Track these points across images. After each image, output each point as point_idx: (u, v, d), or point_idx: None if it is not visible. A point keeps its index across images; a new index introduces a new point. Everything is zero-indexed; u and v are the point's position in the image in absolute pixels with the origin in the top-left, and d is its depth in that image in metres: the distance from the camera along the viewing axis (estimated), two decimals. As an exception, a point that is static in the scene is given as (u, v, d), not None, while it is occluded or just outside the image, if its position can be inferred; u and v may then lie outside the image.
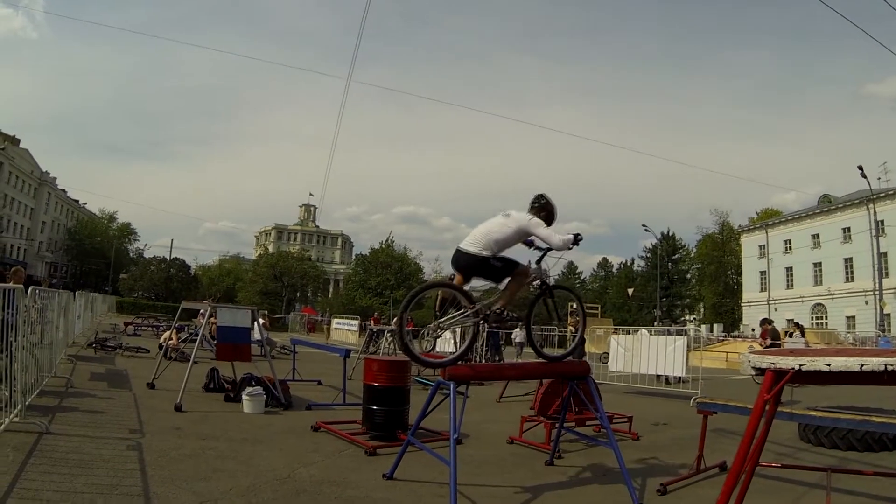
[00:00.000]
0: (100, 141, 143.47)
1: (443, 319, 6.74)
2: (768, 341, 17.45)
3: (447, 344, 19.30)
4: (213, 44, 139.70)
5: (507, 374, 8.46)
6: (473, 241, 6.76)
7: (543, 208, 7.06)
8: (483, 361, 20.65)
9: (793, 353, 3.91)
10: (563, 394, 8.89)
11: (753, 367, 4.03)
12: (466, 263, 6.78)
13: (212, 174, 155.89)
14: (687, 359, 15.98)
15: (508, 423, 10.29)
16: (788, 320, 65.24)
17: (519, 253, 6.98)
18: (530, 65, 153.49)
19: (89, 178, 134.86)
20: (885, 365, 3.33)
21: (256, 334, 14.14)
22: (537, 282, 7.21)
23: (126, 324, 29.41)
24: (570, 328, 24.44)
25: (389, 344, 23.74)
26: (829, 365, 3.51)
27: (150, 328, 29.82)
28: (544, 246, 7.02)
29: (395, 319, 7.93)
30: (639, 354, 16.22)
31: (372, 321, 34.53)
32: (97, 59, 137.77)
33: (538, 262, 7.18)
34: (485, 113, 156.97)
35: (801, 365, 3.62)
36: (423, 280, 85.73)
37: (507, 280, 6.86)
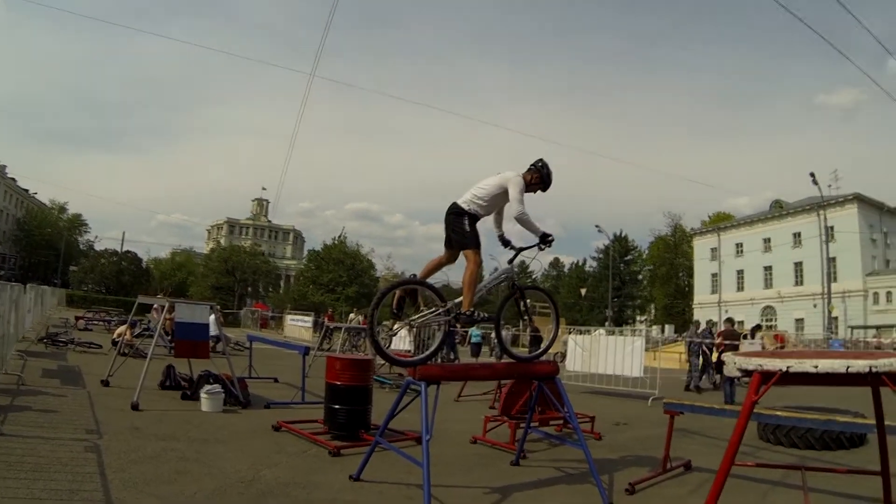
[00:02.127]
0: (52, 129, 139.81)
1: (415, 317, 6.63)
2: (720, 339, 17.56)
3: (402, 342, 19.36)
4: (171, 34, 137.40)
5: (477, 374, 8.32)
6: (466, 196, 6.78)
7: (538, 171, 6.96)
8: (439, 360, 20.59)
9: (777, 355, 3.94)
10: (528, 394, 8.99)
11: (740, 369, 4.07)
12: (447, 215, 6.78)
13: (165, 166, 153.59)
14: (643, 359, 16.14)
15: (470, 423, 10.23)
16: (738, 321, 66.68)
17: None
18: (486, 64, 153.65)
19: (40, 168, 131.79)
20: (870, 367, 3.45)
21: (213, 330, 13.88)
22: (507, 282, 7.17)
23: (77, 318, 28.48)
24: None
25: (344, 341, 23.64)
26: (816, 367, 3.60)
27: (101, 322, 29.10)
28: (517, 245, 7.05)
29: (364, 318, 7.88)
30: (596, 354, 16.31)
31: (326, 318, 34.35)
32: (52, 45, 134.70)
33: (510, 261, 7.17)
34: (439, 109, 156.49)
35: (788, 367, 3.66)
36: (376, 277, 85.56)
37: (464, 259, 6.70)
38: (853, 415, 8.03)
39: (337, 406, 8.29)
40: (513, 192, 6.67)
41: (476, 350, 26.94)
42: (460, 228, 6.67)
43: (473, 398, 14.08)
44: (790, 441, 9.57)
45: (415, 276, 7.16)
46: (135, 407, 9.29)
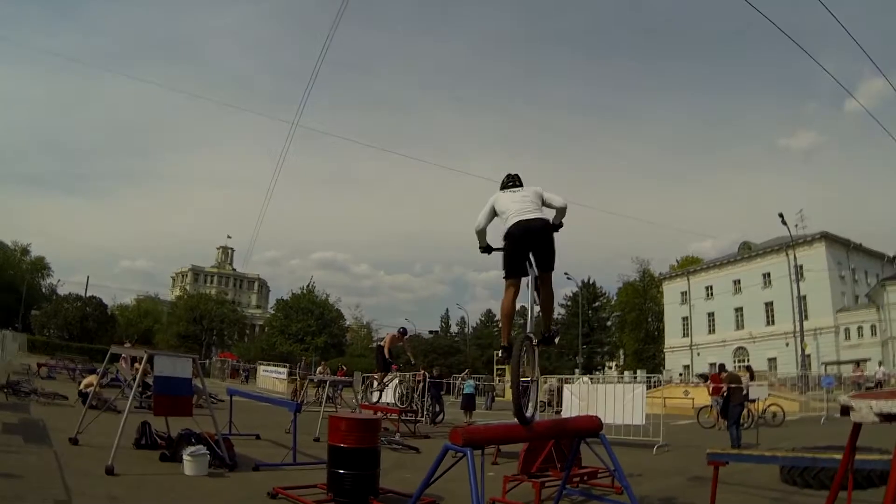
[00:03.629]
0: (15, 171, 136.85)
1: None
2: (725, 387, 16.99)
3: (387, 395, 18.54)
4: (139, 80, 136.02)
5: (523, 434, 7.42)
6: (533, 208, 6.20)
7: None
8: (426, 413, 19.71)
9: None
10: (548, 449, 8.50)
11: (878, 414, 3.44)
12: (542, 231, 6.14)
13: (130, 211, 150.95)
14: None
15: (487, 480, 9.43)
16: (711, 364, 66.61)
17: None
18: (451, 112, 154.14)
19: (2, 209, 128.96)
20: None
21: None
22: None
23: (40, 365, 27.35)
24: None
25: (316, 395, 22.78)
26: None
27: (65, 371, 28.00)
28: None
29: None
30: (594, 403, 15.64)
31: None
32: (16, 86, 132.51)
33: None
34: (404, 157, 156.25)
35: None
36: (345, 327, 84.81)
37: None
38: (880, 452, 7.53)
39: (342, 471, 7.37)
40: (550, 193, 6.46)
41: (469, 402, 24.80)
42: (554, 247, 6.21)
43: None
44: (820, 483, 9.03)
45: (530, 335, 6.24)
46: (110, 471, 8.18)
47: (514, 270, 6.14)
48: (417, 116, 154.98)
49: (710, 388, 21.12)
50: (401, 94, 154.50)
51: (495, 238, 6.49)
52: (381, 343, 18.52)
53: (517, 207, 6.19)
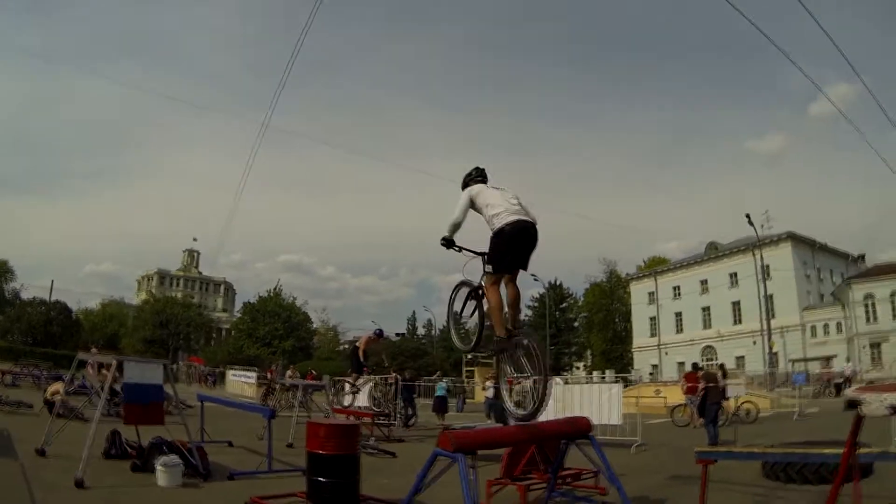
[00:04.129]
0: None
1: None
2: (702, 384, 17.02)
3: (361, 398, 18.32)
4: (105, 79, 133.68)
5: (517, 437, 7.22)
6: (524, 210, 6.36)
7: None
8: (399, 416, 19.47)
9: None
10: (531, 452, 8.37)
11: (890, 407, 3.98)
12: (534, 232, 6.35)
13: (96, 213, 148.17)
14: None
15: (456, 487, 9.23)
16: (679, 363, 67.38)
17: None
18: (418, 114, 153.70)
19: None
20: None
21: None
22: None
23: (3, 372, 26.70)
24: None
25: (279, 399, 22.48)
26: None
27: (29, 377, 27.25)
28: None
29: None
30: (570, 404, 15.55)
31: (269, 373, 33.18)
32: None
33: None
34: (371, 158, 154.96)
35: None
36: (312, 330, 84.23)
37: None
38: (861, 445, 7.54)
39: (322, 479, 7.12)
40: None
41: (442, 405, 24.65)
42: None
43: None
44: (803, 478, 8.98)
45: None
46: (80, 483, 7.84)
47: (505, 266, 6.29)
48: (385, 119, 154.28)
49: (685, 387, 21.20)
50: (368, 95, 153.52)
51: (467, 235, 6.56)
52: (357, 344, 18.24)
53: (509, 206, 6.28)
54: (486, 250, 6.40)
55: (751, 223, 48.57)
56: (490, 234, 6.30)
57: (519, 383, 6.53)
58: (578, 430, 6.76)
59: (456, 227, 6.54)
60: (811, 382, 38.81)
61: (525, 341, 6.26)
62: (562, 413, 15.79)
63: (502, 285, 6.37)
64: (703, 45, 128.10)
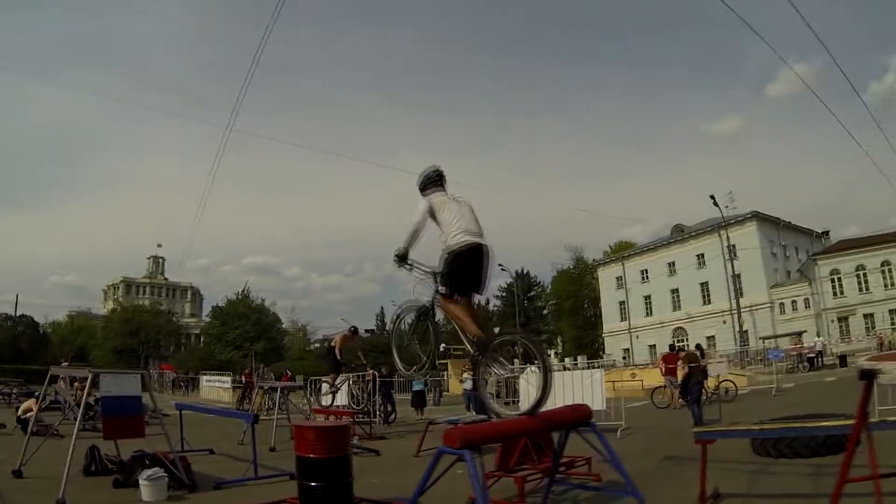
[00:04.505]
0: None
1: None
2: (683, 365, 17.10)
3: (340, 397, 18.12)
4: (61, 85, 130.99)
5: (516, 431, 7.02)
6: (479, 229, 6.22)
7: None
8: (378, 413, 19.28)
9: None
10: (523, 443, 8.55)
11: None
12: (489, 259, 6.24)
13: (56, 223, 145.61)
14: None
15: (450, 481, 9.09)
16: (650, 345, 67.92)
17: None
18: (377, 108, 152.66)
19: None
20: None
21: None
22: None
23: (-28, 392, 26.19)
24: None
25: (263, 402, 22.22)
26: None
27: (0, 396, 26.70)
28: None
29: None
30: (552, 392, 15.45)
31: (244, 376, 32.75)
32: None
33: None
34: (330, 154, 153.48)
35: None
36: (283, 331, 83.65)
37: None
38: (845, 417, 7.58)
39: (314, 483, 6.90)
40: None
41: (420, 399, 24.44)
42: None
43: (433, 452, 12.89)
44: (794, 451, 8.89)
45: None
46: None
47: (463, 288, 6.26)
48: (342, 114, 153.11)
49: (663, 369, 21.38)
50: (324, 92, 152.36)
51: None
52: (333, 344, 18.00)
53: (464, 224, 6.13)
54: (440, 269, 6.24)
55: (716, 204, 49.00)
56: (443, 249, 6.14)
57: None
58: (582, 417, 6.69)
59: (414, 237, 6.27)
60: (786, 358, 39.12)
61: (518, 338, 6.52)
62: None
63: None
64: (659, 24, 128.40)
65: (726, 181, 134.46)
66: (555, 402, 15.27)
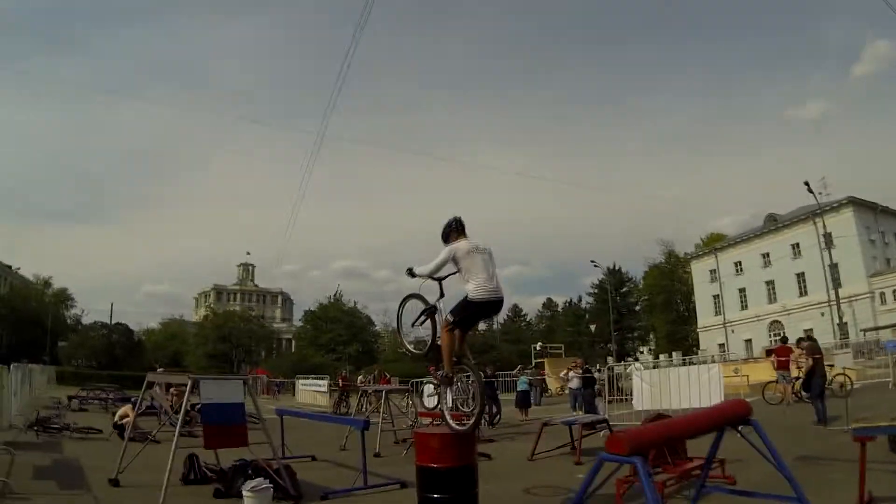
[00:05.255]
0: (30, 202, 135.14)
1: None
2: (808, 358, 15.96)
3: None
4: (150, 103, 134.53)
5: (684, 431, 6.30)
6: (498, 280, 6.78)
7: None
8: (484, 416, 18.59)
9: None
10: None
11: None
12: (501, 308, 7.02)
13: (148, 235, 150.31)
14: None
15: (576, 483, 8.39)
16: (746, 339, 66.09)
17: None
18: (458, 109, 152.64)
19: (19, 242, 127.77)
20: None
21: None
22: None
23: (70, 398, 26.17)
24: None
25: (361, 405, 21.87)
26: None
27: (97, 401, 26.80)
28: None
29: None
30: (667, 389, 14.73)
31: (340, 379, 32.60)
32: (24, 115, 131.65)
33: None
34: (412, 153, 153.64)
35: None
36: (377, 333, 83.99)
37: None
38: None
39: (437, 495, 6.19)
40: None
41: (525, 400, 23.62)
42: None
43: (550, 454, 12.27)
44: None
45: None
46: None
47: (467, 327, 6.90)
48: (424, 116, 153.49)
49: (776, 363, 20.27)
50: (403, 94, 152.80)
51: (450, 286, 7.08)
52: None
53: (487, 274, 6.64)
54: (456, 304, 6.71)
55: (810, 190, 47.17)
56: (465, 293, 6.58)
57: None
58: (743, 413, 6.04)
59: (431, 273, 6.88)
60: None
61: (465, 376, 7.09)
62: (657, 399, 15.03)
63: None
64: (731, 15, 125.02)
65: (817, 168, 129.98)
66: (671, 400, 14.66)
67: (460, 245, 6.73)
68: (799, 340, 18.46)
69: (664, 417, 5.66)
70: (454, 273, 6.77)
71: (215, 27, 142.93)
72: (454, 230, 6.98)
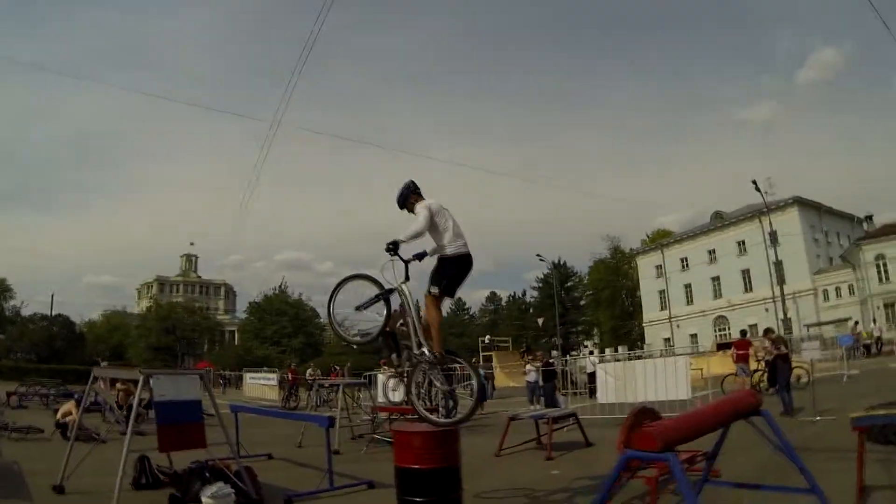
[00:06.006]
0: None
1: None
2: (782, 348, 16.54)
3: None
4: (97, 86, 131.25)
5: (711, 424, 5.81)
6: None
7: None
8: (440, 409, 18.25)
9: None
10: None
11: None
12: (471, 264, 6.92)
13: (90, 224, 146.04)
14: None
15: (554, 482, 8.08)
16: (692, 334, 66.84)
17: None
18: (414, 102, 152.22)
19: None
20: None
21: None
22: None
23: (9, 394, 24.89)
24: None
25: (311, 398, 21.45)
26: None
27: (37, 397, 25.65)
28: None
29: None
30: (632, 382, 14.60)
31: (289, 373, 31.95)
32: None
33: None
34: (362, 143, 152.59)
35: None
36: (322, 326, 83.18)
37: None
38: None
39: (419, 499, 5.68)
40: None
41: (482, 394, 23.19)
42: None
43: (516, 449, 11.90)
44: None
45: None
46: None
47: (450, 292, 6.75)
48: (377, 110, 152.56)
49: (735, 356, 20.67)
50: (359, 87, 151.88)
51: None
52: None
53: (458, 232, 6.73)
54: (433, 271, 6.71)
55: (757, 189, 47.98)
56: (438, 254, 6.71)
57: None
58: (748, 406, 5.68)
59: (416, 237, 6.56)
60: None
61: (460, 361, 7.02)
62: (622, 392, 14.85)
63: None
64: (686, 15, 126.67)
65: (762, 168, 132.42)
66: (636, 393, 14.45)
67: (431, 202, 6.74)
68: (766, 331, 18.63)
69: (650, 410, 5.15)
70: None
71: (163, 12, 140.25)
72: (413, 192, 6.95)
